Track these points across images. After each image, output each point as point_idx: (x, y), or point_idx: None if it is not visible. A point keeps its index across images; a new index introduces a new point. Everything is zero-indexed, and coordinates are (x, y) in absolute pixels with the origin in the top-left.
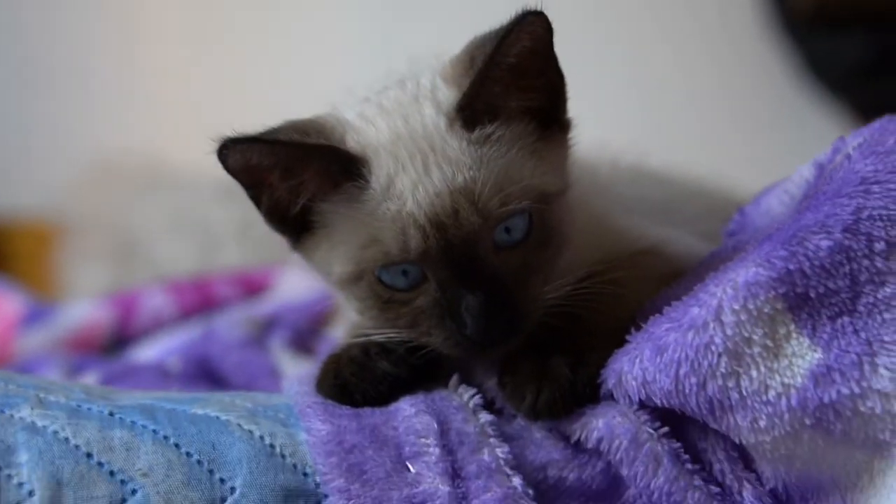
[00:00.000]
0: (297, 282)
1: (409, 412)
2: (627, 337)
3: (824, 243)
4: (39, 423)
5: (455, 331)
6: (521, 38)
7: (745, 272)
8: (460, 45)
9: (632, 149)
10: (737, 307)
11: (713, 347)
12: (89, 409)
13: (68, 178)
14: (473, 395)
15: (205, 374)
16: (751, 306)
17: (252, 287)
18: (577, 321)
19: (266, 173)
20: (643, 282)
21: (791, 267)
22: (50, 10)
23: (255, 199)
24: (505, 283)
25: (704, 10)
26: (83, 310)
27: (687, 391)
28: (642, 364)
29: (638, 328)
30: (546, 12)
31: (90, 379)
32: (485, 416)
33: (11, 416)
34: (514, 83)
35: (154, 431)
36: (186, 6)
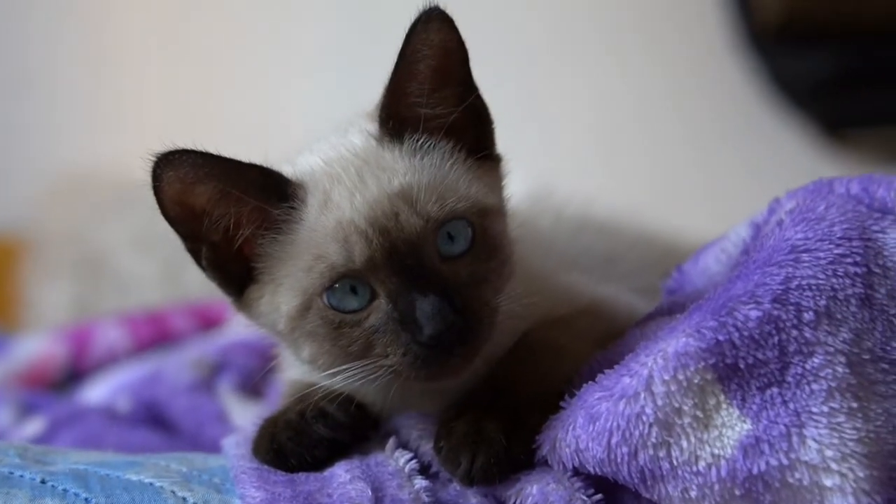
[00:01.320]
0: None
1: (343, 478)
2: (562, 403)
3: (753, 314)
4: None
5: (411, 342)
6: (427, 35)
7: (675, 342)
8: None
9: (575, 196)
10: (667, 377)
11: (644, 417)
12: (21, 476)
13: (33, 192)
14: (409, 460)
15: (152, 417)
16: (681, 377)
17: (208, 321)
18: (514, 383)
19: (201, 202)
20: (581, 342)
21: (720, 338)
22: (17, 22)
23: (194, 249)
24: (456, 288)
25: (670, 26)
26: (37, 344)
27: (619, 460)
28: (575, 432)
29: (570, 395)
30: (447, 10)
31: (37, 424)
32: (420, 482)
33: None
34: (431, 89)
35: (86, 500)
36: (157, 21)
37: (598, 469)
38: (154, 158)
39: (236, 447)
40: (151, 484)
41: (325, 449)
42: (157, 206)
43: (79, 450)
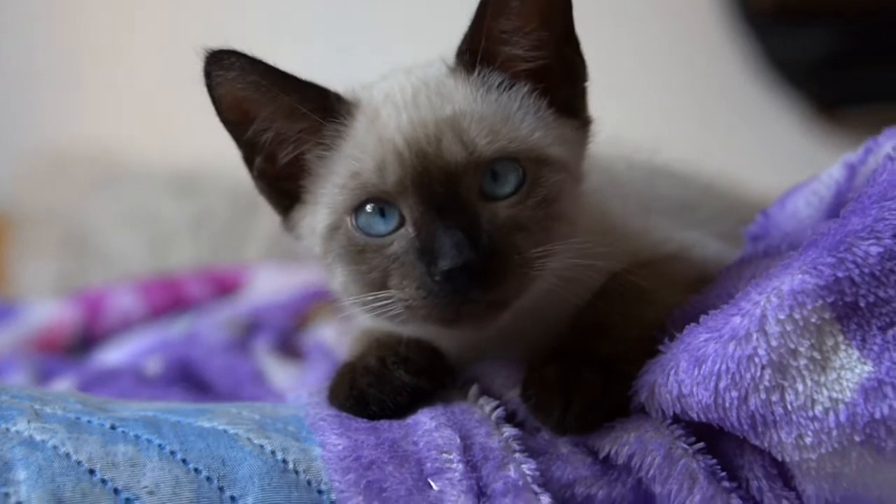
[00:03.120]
0: (272, 279)
1: (429, 426)
2: (660, 347)
3: (874, 249)
4: (38, 438)
5: (425, 274)
6: None
7: (790, 279)
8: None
9: (644, 145)
10: (782, 317)
11: (756, 359)
12: (89, 421)
13: (15, 169)
14: (496, 408)
15: (186, 378)
16: (797, 316)
17: (224, 286)
18: (605, 326)
19: (251, 108)
20: (670, 287)
21: (839, 274)
22: None
23: (248, 158)
24: (486, 230)
25: (665, 6)
26: (47, 309)
27: (727, 405)
28: (678, 376)
29: (671, 337)
30: None
31: (63, 385)
32: (509, 430)
33: (7, 429)
34: (520, 28)
35: (160, 446)
36: None
37: (702, 415)
38: (205, 55)
39: (308, 395)
40: (226, 431)
41: (407, 395)
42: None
43: (138, 401)
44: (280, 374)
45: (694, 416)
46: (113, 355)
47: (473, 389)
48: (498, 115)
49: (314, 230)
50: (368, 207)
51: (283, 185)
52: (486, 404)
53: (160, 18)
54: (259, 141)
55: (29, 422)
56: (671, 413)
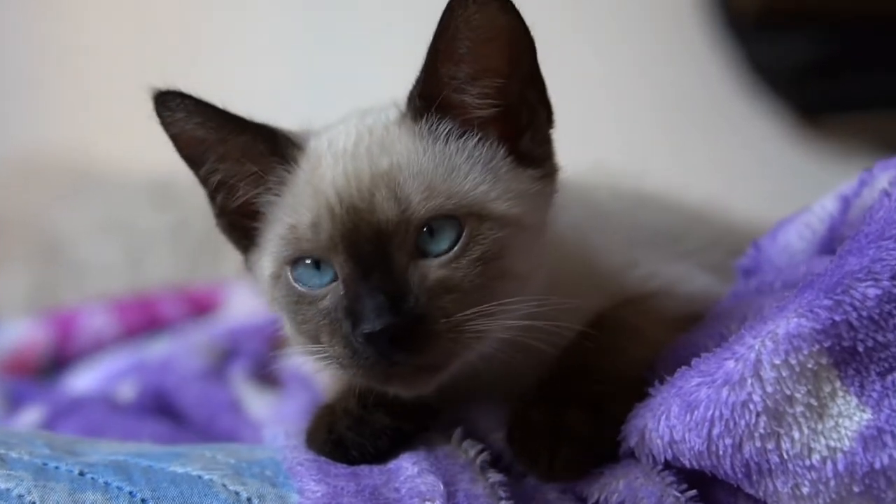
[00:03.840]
0: (247, 300)
1: (411, 471)
2: (650, 389)
3: (872, 291)
4: (2, 486)
5: (350, 335)
6: (466, 12)
7: (785, 323)
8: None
9: (628, 171)
10: (777, 362)
11: (751, 406)
12: (57, 467)
13: None
14: (480, 452)
15: (160, 407)
16: (793, 361)
17: (200, 306)
18: (593, 367)
19: (203, 147)
20: (658, 325)
21: (837, 318)
22: None
23: (209, 196)
24: (414, 291)
25: (647, 11)
26: (18, 330)
27: (720, 453)
28: (669, 421)
29: (660, 379)
30: None
31: (33, 415)
32: (494, 476)
33: None
34: (470, 75)
35: (130, 493)
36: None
37: (694, 462)
38: (153, 95)
39: (286, 437)
40: (200, 477)
41: (388, 439)
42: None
43: (108, 440)
44: (257, 402)
45: (686, 462)
46: (84, 378)
47: (457, 433)
48: (440, 168)
49: (262, 276)
50: (305, 261)
51: (242, 225)
52: (470, 448)
53: (137, 23)
54: (213, 180)
55: None
56: (662, 459)
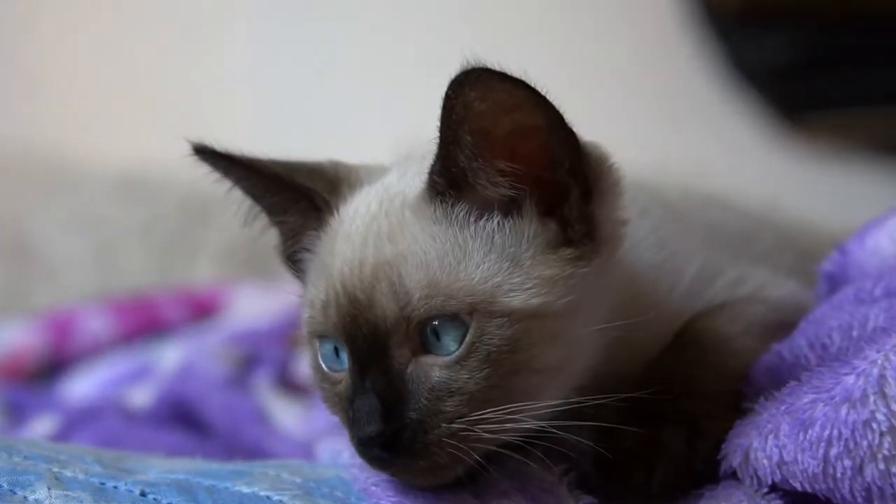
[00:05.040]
0: (253, 302)
1: (496, 490)
2: (749, 404)
3: None
4: None
5: (350, 429)
6: (464, 99)
7: None
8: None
9: (687, 170)
10: None
11: (874, 425)
12: (115, 487)
13: None
14: (567, 472)
15: (179, 416)
16: None
17: (202, 308)
18: (686, 380)
19: (250, 194)
20: (750, 334)
21: None
22: None
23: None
24: (413, 394)
25: (625, 6)
26: (12, 333)
27: (839, 475)
28: (778, 441)
29: (759, 393)
30: (499, 70)
31: (44, 425)
32: (585, 499)
33: (25, 498)
34: (479, 160)
35: None
36: None
37: (807, 485)
38: (191, 147)
39: (353, 455)
40: (269, 497)
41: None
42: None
43: (156, 456)
44: (284, 412)
45: (797, 485)
46: (84, 384)
47: (538, 452)
48: (449, 258)
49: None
50: (324, 341)
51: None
52: (556, 469)
53: (105, 17)
54: (271, 222)
55: (49, 489)
56: (769, 481)
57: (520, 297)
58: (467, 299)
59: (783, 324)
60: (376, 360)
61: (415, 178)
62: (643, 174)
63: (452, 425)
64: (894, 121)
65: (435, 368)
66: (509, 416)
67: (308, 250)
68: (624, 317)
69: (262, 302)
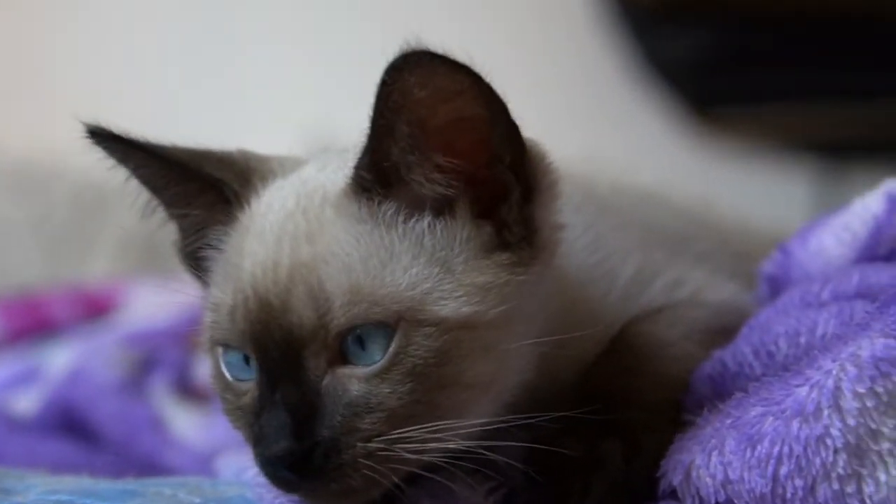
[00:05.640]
0: (150, 300)
1: None
2: (696, 418)
3: None
4: None
5: (256, 446)
6: (403, 85)
7: (869, 344)
8: None
9: (620, 165)
10: (861, 390)
11: (828, 441)
12: None
13: None
14: (493, 491)
15: (68, 424)
16: (880, 389)
17: (95, 307)
18: (622, 391)
19: (149, 183)
20: (690, 340)
21: None
22: None
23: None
24: (327, 409)
25: (540, 1)
26: None
27: (789, 496)
28: (723, 457)
29: (700, 405)
30: (444, 54)
31: None
32: None
33: None
34: (417, 153)
35: None
36: None
37: None
38: (84, 130)
39: (258, 474)
40: None
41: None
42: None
43: (38, 473)
44: (182, 421)
45: None
46: None
47: (463, 470)
48: (373, 261)
49: (203, 339)
50: (230, 349)
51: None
52: (480, 487)
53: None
54: (170, 215)
55: None
56: (712, 501)
57: (450, 306)
58: (393, 307)
59: (724, 329)
60: (288, 372)
61: (336, 172)
62: (573, 166)
63: (369, 444)
64: (804, 118)
65: (353, 381)
66: (434, 436)
67: (213, 248)
68: (559, 325)
69: (161, 300)
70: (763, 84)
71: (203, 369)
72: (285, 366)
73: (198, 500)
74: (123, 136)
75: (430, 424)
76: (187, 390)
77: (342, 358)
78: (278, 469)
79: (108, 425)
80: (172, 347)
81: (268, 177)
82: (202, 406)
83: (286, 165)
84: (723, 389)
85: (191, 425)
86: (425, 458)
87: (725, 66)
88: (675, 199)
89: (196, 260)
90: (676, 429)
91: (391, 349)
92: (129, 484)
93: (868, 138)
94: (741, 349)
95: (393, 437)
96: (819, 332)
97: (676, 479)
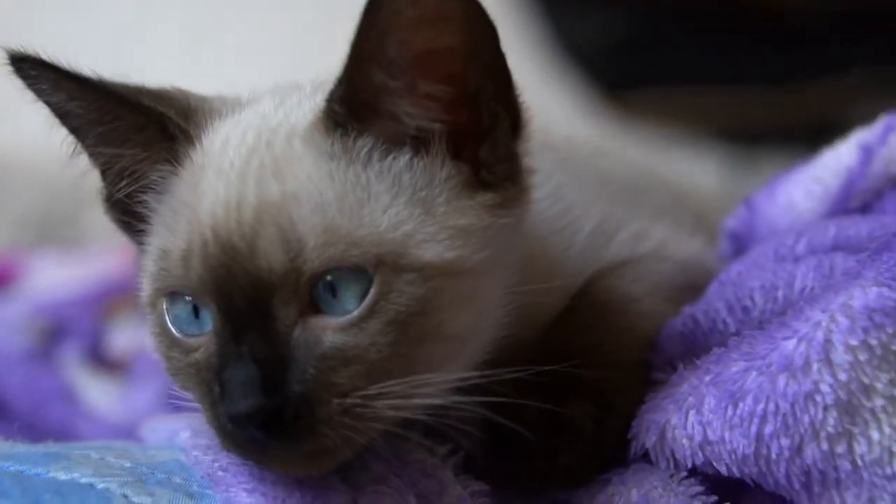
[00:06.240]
0: (54, 271)
1: (369, 475)
2: (667, 376)
3: None
4: None
5: (216, 406)
6: (392, 5)
7: (861, 294)
8: None
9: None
10: (854, 342)
11: (817, 398)
12: None
13: None
14: (451, 454)
15: None
16: (873, 342)
17: None
18: (588, 349)
19: (79, 123)
20: (656, 295)
21: None
22: None
23: (101, 176)
24: (299, 361)
25: None
26: None
27: (773, 457)
28: (702, 416)
29: (672, 364)
30: None
31: None
32: (473, 485)
33: None
34: (405, 79)
35: None
36: None
37: (734, 469)
38: (7, 57)
39: (192, 432)
40: (92, 485)
41: None
42: None
43: None
44: (96, 391)
45: (722, 468)
46: None
47: (416, 432)
48: (349, 200)
49: (141, 293)
50: (184, 298)
51: (130, 220)
52: (438, 448)
53: None
54: (97, 162)
55: None
56: (689, 464)
57: (433, 250)
58: (373, 249)
59: (691, 285)
60: (255, 322)
61: (299, 106)
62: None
63: (346, 400)
64: (716, 103)
65: (327, 332)
66: (415, 391)
67: (153, 191)
68: (522, 278)
69: (64, 270)
70: (674, 68)
71: (117, 337)
72: (252, 315)
73: (128, 464)
74: (55, 63)
75: (410, 378)
76: (101, 360)
77: (312, 308)
78: (246, 429)
79: (16, 396)
80: (83, 316)
81: (213, 114)
82: (117, 376)
83: (229, 103)
84: (695, 347)
85: (105, 396)
86: (403, 415)
87: (638, 48)
88: (629, 156)
89: (126, 208)
90: (646, 389)
91: (370, 296)
92: (51, 447)
93: (776, 125)
94: (713, 305)
95: (371, 392)
96: (797, 285)
97: (650, 441)
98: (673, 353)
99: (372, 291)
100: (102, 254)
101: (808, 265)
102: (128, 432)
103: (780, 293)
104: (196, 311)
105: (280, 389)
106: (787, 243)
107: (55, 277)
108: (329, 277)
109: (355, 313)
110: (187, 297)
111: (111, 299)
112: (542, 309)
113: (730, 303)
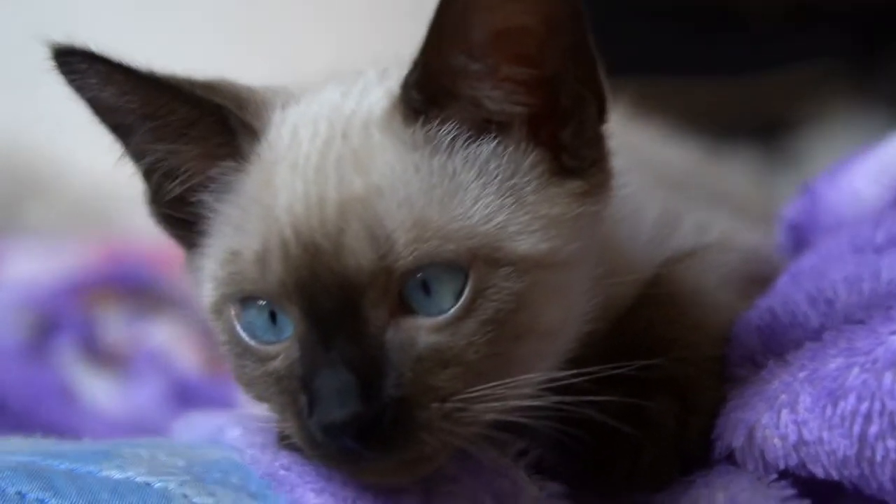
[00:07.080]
0: (31, 261)
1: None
2: (747, 372)
3: None
4: None
5: (306, 419)
6: None
7: None
8: None
9: None
10: None
11: None
12: None
13: None
14: (523, 453)
15: None
16: None
17: None
18: (664, 342)
19: (128, 119)
20: (727, 288)
21: None
22: None
23: (143, 176)
24: (394, 365)
25: None
26: None
27: (878, 459)
28: (796, 415)
29: (752, 360)
30: None
31: None
32: (550, 487)
33: None
34: (488, 61)
35: None
36: None
37: (833, 471)
38: (52, 52)
39: (245, 430)
40: (149, 485)
41: None
42: None
43: None
44: (95, 388)
45: (819, 470)
46: None
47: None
48: (438, 192)
49: (202, 299)
50: (258, 303)
51: (181, 219)
52: (509, 448)
53: None
54: (145, 160)
55: None
56: (781, 465)
57: (528, 241)
58: (466, 243)
59: (757, 276)
60: (344, 325)
61: (368, 94)
62: None
63: (445, 404)
64: (668, 92)
65: (422, 333)
66: (513, 392)
67: (210, 189)
68: (605, 270)
69: (41, 262)
70: (628, 58)
71: (112, 329)
72: (340, 318)
73: (181, 463)
74: (106, 56)
75: (510, 380)
76: (97, 353)
77: (403, 308)
78: (338, 438)
79: (11, 393)
80: (74, 307)
81: (267, 106)
82: (114, 370)
83: (281, 94)
84: (772, 341)
85: (104, 392)
86: (500, 417)
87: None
88: (677, 141)
89: (177, 208)
90: (724, 385)
91: (466, 293)
92: (98, 444)
93: (729, 118)
94: (792, 297)
95: (473, 394)
96: (884, 277)
97: (737, 441)
98: (750, 347)
99: (468, 288)
100: (72, 244)
101: (892, 257)
102: (130, 428)
103: (865, 285)
104: (273, 317)
105: (377, 395)
106: (863, 234)
107: (33, 268)
108: (421, 275)
109: (451, 312)
110: (262, 302)
111: (93, 290)
112: (614, 301)
113: (811, 295)
